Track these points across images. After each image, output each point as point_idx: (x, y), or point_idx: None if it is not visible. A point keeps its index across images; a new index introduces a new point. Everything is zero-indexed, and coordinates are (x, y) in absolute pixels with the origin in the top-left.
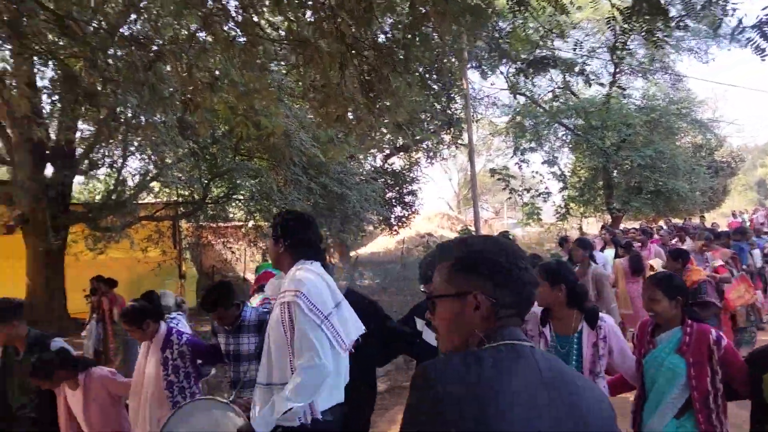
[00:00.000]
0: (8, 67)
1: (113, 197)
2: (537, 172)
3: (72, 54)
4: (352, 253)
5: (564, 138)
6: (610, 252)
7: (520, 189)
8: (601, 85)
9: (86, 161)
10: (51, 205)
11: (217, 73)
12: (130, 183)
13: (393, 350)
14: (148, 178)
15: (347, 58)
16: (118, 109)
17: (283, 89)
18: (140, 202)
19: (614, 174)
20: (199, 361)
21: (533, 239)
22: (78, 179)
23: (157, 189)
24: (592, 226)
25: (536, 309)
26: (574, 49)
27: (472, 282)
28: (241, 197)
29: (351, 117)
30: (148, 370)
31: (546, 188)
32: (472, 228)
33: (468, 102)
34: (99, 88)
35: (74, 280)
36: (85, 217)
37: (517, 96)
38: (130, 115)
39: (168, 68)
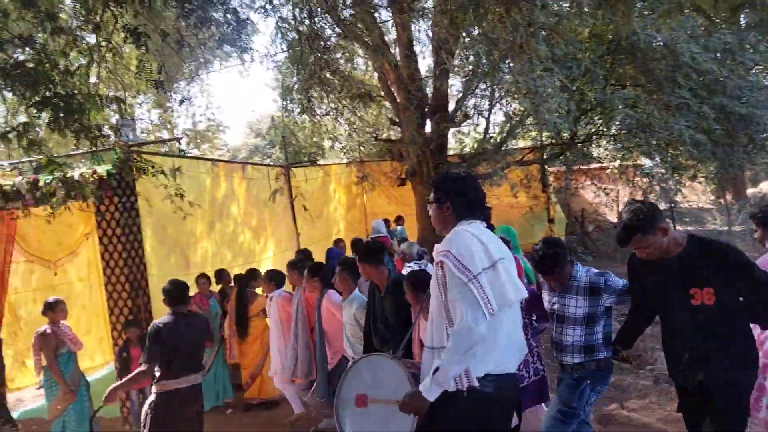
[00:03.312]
0: (391, 32)
1: (484, 145)
2: None
3: None
4: (752, 191)
5: None
6: None
7: None
8: None
9: (458, 113)
10: (433, 157)
11: None
12: (498, 129)
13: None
14: (515, 122)
15: None
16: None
17: None
18: (509, 147)
19: None
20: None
21: None
22: (453, 131)
23: (524, 133)
24: None
25: None
26: None
27: None
28: (614, 132)
29: None
30: None
31: None
32: None
33: None
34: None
35: None
36: (460, 167)
37: None
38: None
39: None
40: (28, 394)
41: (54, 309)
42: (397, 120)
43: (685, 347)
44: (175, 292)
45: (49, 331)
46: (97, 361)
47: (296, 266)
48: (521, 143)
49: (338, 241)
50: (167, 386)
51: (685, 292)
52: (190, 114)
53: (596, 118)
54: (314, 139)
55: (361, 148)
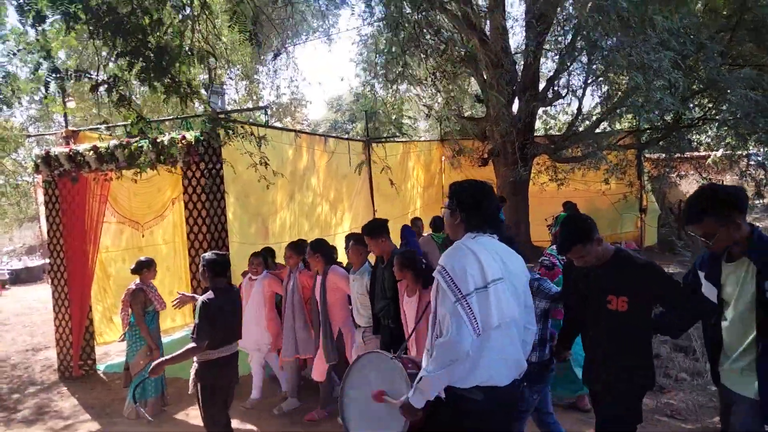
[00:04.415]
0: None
1: (574, 127)
2: None
3: None
4: None
5: None
6: None
7: None
8: None
9: (550, 91)
10: (518, 137)
11: None
12: (590, 111)
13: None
14: (615, 101)
15: None
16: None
17: None
18: (600, 131)
19: None
20: None
21: None
22: (540, 111)
23: (622, 114)
24: None
25: None
26: None
27: None
28: (727, 116)
29: None
30: None
31: None
32: None
33: None
34: None
35: (537, 210)
36: (548, 149)
37: None
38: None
39: None
40: (114, 348)
41: (149, 268)
42: (482, 98)
43: (596, 350)
44: (219, 265)
45: (140, 288)
46: (177, 322)
47: (295, 248)
48: (617, 126)
49: (416, 220)
50: (210, 356)
51: (603, 298)
52: (274, 87)
53: (705, 100)
54: (398, 114)
55: (445, 124)
